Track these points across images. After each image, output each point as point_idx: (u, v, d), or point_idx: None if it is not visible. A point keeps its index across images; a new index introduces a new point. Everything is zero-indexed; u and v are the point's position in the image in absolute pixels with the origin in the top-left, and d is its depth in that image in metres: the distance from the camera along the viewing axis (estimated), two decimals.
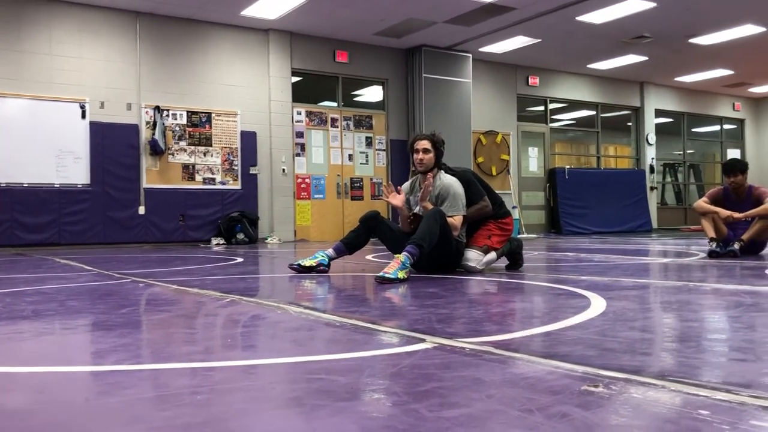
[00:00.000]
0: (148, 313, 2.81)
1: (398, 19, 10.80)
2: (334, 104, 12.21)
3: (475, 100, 13.16)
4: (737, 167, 5.85)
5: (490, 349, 1.82)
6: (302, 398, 1.35)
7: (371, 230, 4.50)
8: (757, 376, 1.48)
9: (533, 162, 14.79)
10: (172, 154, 10.45)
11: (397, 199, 4.49)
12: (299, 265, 4.37)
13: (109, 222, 9.89)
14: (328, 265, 4.41)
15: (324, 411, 1.25)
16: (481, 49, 12.75)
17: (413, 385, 1.44)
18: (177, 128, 10.49)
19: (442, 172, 4.51)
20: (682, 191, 17.66)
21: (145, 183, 10.20)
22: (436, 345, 1.89)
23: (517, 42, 12.32)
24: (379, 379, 1.53)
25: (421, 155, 4.41)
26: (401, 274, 3.73)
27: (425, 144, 4.43)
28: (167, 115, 10.38)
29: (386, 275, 3.69)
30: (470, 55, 12.85)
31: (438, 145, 4.46)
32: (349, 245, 4.48)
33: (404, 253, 3.87)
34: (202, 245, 10.12)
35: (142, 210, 10.14)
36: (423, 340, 1.96)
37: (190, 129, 10.62)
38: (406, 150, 4.56)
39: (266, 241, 10.98)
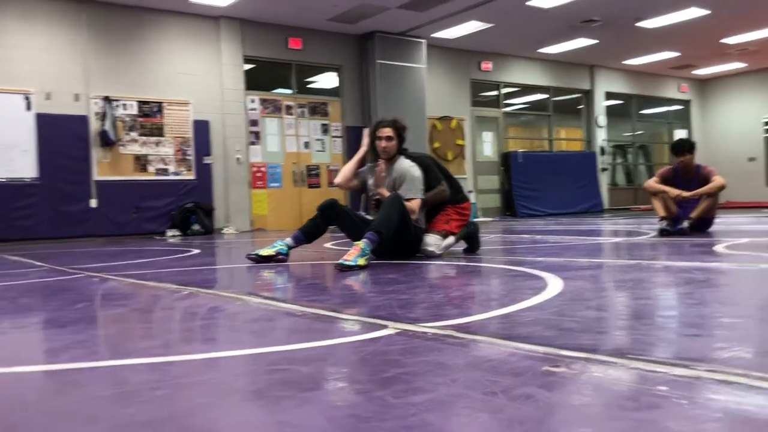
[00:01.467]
0: (103, 308, 2.74)
1: (351, 4, 10.72)
2: (289, 91, 12.10)
3: (430, 86, 13.19)
4: (685, 147, 6.00)
5: (452, 332, 1.84)
6: (266, 390, 1.34)
7: (329, 218, 4.47)
8: (710, 351, 1.53)
9: (488, 146, 14.92)
10: (124, 146, 10.21)
11: (362, 148, 4.58)
12: (257, 254, 4.33)
13: (60, 216, 9.63)
14: (287, 254, 4.38)
15: (289, 402, 1.24)
16: (434, 35, 12.76)
17: (377, 372, 1.44)
18: (127, 119, 10.25)
19: (402, 157, 4.52)
20: (632, 172, 18.06)
21: (96, 175, 9.96)
22: (398, 331, 1.90)
23: (470, 27, 12.38)
24: (342, 367, 1.53)
25: (384, 143, 4.40)
26: (361, 261, 3.73)
27: (388, 132, 4.41)
28: (117, 106, 10.12)
29: (346, 262, 3.68)
30: (424, 40, 12.86)
31: (401, 132, 4.46)
32: (308, 234, 4.45)
33: (363, 239, 3.86)
34: (156, 237, 9.94)
35: (93, 203, 9.90)
36: (385, 327, 1.97)
37: (141, 119, 10.39)
38: (369, 136, 4.53)
39: (222, 231, 10.85)
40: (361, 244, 3.82)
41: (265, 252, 4.33)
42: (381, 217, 4.02)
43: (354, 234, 4.36)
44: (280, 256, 4.33)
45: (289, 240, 4.41)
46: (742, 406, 1.11)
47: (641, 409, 1.11)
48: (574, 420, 1.09)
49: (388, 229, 3.98)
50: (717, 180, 5.86)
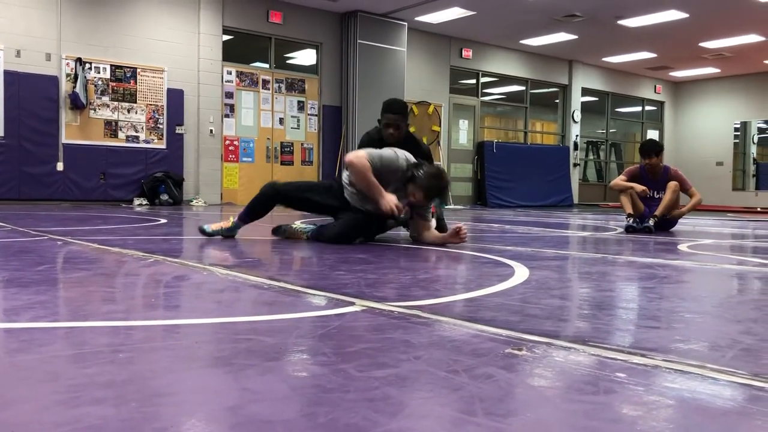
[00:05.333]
0: (66, 271, 2.70)
1: None
2: (266, 66, 11.97)
3: (409, 70, 13.16)
4: (653, 150, 6.10)
5: (418, 312, 1.85)
6: (229, 358, 1.34)
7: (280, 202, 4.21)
8: (668, 342, 1.56)
9: (463, 134, 14.97)
10: (94, 110, 10.02)
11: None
12: (204, 230, 4.18)
13: (25, 177, 9.43)
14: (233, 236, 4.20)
15: (252, 370, 1.24)
16: (416, 18, 12.71)
17: (342, 346, 1.45)
18: (99, 82, 10.05)
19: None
20: (603, 169, 18.29)
21: (65, 138, 9.76)
22: (365, 308, 1.91)
23: (453, 13, 12.35)
24: (308, 340, 1.53)
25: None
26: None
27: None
28: (89, 68, 9.92)
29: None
30: (406, 23, 12.81)
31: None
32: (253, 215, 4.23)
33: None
34: (123, 205, 9.80)
35: (60, 166, 9.72)
36: (352, 303, 1.97)
37: (114, 84, 10.19)
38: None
39: (191, 203, 10.74)
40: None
41: (214, 227, 4.19)
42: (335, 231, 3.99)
43: (327, 211, 4.26)
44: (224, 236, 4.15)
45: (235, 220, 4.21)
46: (696, 395, 1.14)
47: (599, 393, 1.14)
48: (533, 400, 1.11)
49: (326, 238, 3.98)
50: (696, 197, 6.15)
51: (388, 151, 4.02)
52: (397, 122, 4.29)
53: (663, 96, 19.02)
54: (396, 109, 4.30)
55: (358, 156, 3.87)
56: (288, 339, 1.52)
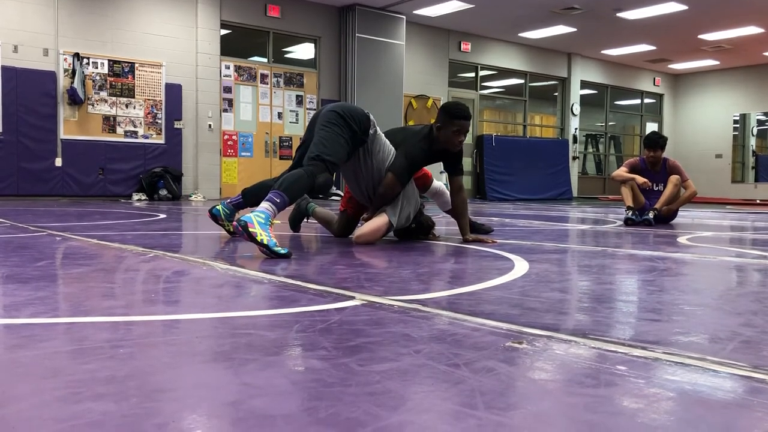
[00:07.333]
0: (66, 266, 2.70)
1: None
2: (264, 60, 11.94)
3: (408, 64, 13.13)
4: (659, 144, 6.11)
5: (418, 306, 1.85)
6: (230, 353, 1.33)
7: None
8: (668, 335, 1.56)
9: None
10: (92, 105, 10.00)
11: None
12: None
13: (24, 173, 9.42)
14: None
15: (253, 365, 1.24)
16: (415, 12, 12.68)
17: (343, 341, 1.45)
18: (97, 77, 10.03)
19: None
20: (603, 162, 18.28)
21: (63, 134, 9.75)
22: (365, 302, 1.90)
23: (451, 6, 12.32)
24: (308, 334, 1.53)
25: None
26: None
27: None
28: (87, 64, 9.89)
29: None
30: (404, 17, 12.78)
31: None
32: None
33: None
34: (122, 200, 9.80)
35: (59, 162, 9.71)
36: (352, 298, 1.97)
37: (112, 79, 10.17)
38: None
39: (190, 198, 10.73)
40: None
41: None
42: None
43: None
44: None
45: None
46: (697, 387, 1.15)
47: (599, 386, 1.14)
48: (534, 393, 1.11)
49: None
50: (691, 188, 6.13)
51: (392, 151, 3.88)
52: (467, 128, 3.90)
53: (662, 88, 18.99)
54: (469, 115, 3.87)
55: (394, 187, 3.76)
56: (288, 333, 1.52)
